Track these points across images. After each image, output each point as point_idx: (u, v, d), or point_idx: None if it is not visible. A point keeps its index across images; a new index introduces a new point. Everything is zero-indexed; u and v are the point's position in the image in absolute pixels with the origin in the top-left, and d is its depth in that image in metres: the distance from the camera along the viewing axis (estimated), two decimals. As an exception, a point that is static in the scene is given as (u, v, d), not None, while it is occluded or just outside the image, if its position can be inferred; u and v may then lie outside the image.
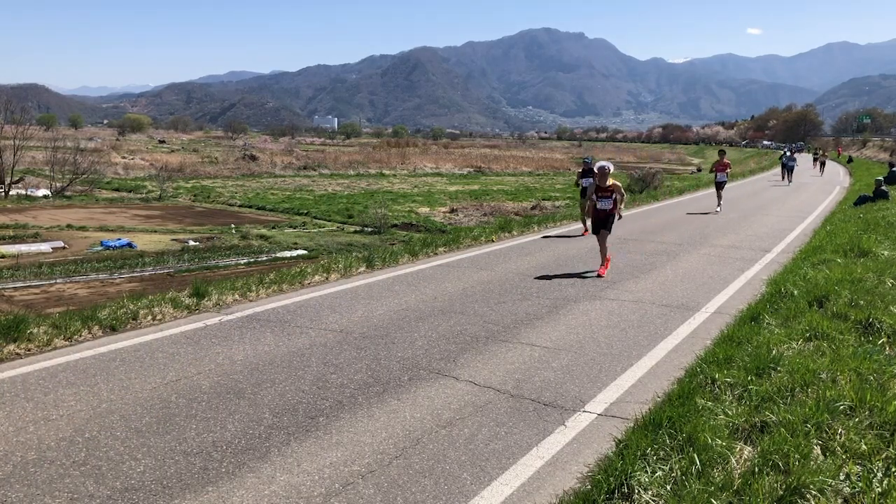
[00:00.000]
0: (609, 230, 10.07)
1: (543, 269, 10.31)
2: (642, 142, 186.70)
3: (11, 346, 6.03)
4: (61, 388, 5.19)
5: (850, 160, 62.53)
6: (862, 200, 19.89)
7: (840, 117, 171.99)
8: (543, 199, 34.45)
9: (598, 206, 10.11)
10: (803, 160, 60.65)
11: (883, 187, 20.77)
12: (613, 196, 10.07)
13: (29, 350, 6.07)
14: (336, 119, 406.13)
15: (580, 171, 14.74)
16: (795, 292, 7.84)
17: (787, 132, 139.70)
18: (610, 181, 10.03)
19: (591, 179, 12.02)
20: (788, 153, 38.12)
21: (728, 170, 20.12)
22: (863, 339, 6.13)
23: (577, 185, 15.30)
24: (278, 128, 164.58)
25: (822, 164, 44.25)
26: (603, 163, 10.31)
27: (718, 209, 18.82)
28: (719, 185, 19.69)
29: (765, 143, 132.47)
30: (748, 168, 54.69)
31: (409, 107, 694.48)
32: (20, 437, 4.37)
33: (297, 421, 4.71)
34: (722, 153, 20.96)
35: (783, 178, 33.66)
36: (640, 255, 11.70)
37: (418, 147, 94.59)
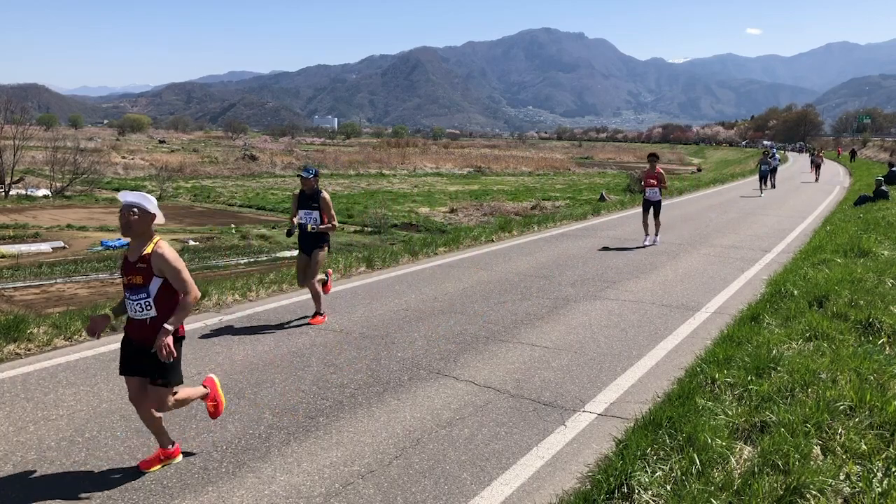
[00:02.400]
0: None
1: (543, 269, 10.30)
2: (642, 142, 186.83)
3: (11, 346, 6.03)
4: (61, 387, 5.19)
5: (853, 156, 62.53)
6: (862, 200, 19.90)
7: (840, 117, 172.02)
8: (543, 199, 34.42)
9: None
10: (802, 161, 60.48)
11: (883, 187, 20.78)
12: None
13: (29, 350, 6.07)
14: (336, 119, 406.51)
15: (297, 193, 7.59)
16: (795, 292, 7.84)
17: (788, 132, 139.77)
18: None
19: (313, 215, 7.10)
20: (771, 151, 30.92)
21: (661, 185, 13.02)
22: (863, 339, 6.13)
23: (293, 219, 7.41)
24: (278, 128, 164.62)
25: (818, 166, 37.52)
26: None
27: (656, 240, 12.96)
28: (649, 207, 13.01)
29: (765, 142, 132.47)
30: (748, 168, 54.67)
31: (409, 107, 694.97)
32: (20, 437, 4.37)
33: (296, 421, 4.71)
34: (652, 159, 13.44)
35: (762, 188, 26.31)
36: (640, 255, 11.70)
37: (418, 147, 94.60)
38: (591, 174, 59.47)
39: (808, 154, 65.23)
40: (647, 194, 13.24)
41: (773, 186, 28.41)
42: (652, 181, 13.14)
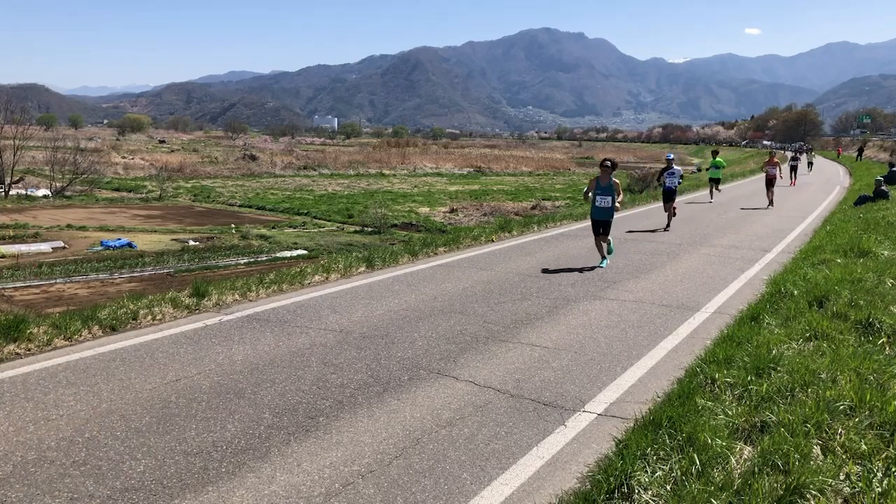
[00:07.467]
0: None
1: (543, 269, 10.30)
2: (642, 142, 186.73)
3: (11, 346, 6.02)
4: (61, 387, 5.19)
5: (860, 153, 62.59)
6: (862, 200, 19.89)
7: (840, 117, 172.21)
8: (543, 199, 34.45)
9: None
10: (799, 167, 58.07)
11: (883, 187, 20.78)
12: None
13: (29, 350, 6.06)
14: (336, 119, 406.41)
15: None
16: (795, 292, 7.84)
17: (787, 132, 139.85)
18: None
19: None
20: (671, 160, 16.85)
21: None
22: (863, 339, 6.13)
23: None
24: (278, 128, 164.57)
25: (770, 182, 21.36)
26: None
27: None
28: None
29: (765, 142, 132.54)
30: (748, 168, 54.64)
31: (409, 107, 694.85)
32: (20, 436, 4.37)
33: (297, 421, 4.71)
34: None
35: (669, 221, 15.40)
36: (640, 255, 11.69)
37: (418, 147, 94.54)
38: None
39: (804, 155, 45.27)
40: None
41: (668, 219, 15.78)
42: None
